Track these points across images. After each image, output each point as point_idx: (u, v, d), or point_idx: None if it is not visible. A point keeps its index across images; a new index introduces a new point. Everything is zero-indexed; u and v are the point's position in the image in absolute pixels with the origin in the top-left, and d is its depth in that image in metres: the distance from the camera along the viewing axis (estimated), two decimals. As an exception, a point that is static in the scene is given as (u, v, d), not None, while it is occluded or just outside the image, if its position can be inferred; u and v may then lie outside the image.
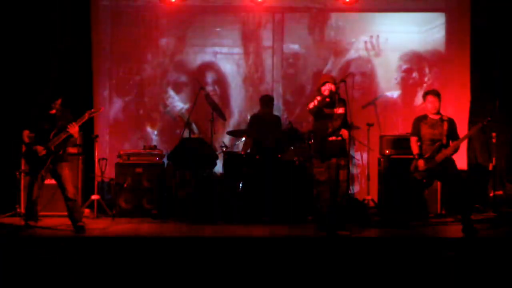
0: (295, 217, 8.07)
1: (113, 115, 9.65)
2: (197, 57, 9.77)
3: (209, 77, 9.76)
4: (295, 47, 9.78)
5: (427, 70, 9.71)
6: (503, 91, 9.08)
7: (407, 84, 9.73)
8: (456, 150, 7.34)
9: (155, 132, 9.70)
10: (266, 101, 9.03)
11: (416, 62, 9.72)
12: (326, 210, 6.99)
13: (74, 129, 7.07)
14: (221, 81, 9.79)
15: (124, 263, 5.98)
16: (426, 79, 9.68)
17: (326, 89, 7.05)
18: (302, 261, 6.10)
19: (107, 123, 9.59)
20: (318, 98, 6.98)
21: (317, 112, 7.05)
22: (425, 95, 7.55)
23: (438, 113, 7.45)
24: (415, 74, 9.73)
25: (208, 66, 9.79)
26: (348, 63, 9.70)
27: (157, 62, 9.71)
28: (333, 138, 7.08)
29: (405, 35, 9.68)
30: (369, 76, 9.73)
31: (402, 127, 8.75)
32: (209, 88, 9.54)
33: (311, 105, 7.01)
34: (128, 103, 9.71)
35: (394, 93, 9.75)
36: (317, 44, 9.74)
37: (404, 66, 9.73)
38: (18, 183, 8.22)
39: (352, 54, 9.73)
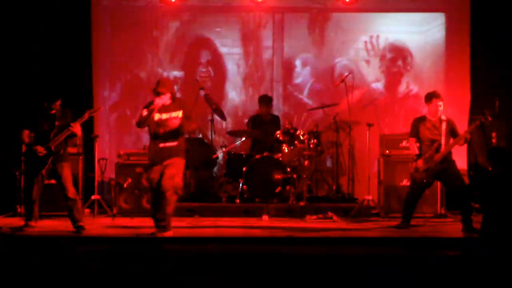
0: (295, 216, 8.09)
1: (113, 115, 9.65)
2: (197, 57, 9.77)
3: (209, 76, 9.76)
4: (295, 47, 9.77)
5: (427, 70, 9.70)
6: (503, 91, 9.07)
7: (407, 84, 9.72)
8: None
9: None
10: (265, 101, 9.04)
11: (416, 62, 9.72)
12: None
13: (76, 127, 7.06)
14: (221, 81, 9.79)
15: (124, 263, 5.98)
16: (426, 79, 9.67)
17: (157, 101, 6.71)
18: (301, 261, 6.10)
19: (107, 123, 9.59)
20: (144, 113, 6.69)
21: (144, 122, 6.77)
22: (430, 98, 7.46)
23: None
24: (415, 74, 9.72)
25: (208, 66, 9.78)
26: (348, 63, 9.70)
27: (157, 61, 9.71)
28: (164, 144, 6.74)
29: (405, 35, 9.68)
30: (369, 76, 9.73)
31: (402, 127, 8.74)
32: (208, 88, 9.53)
33: (135, 121, 6.77)
34: (128, 103, 9.71)
35: (394, 93, 9.75)
36: (317, 44, 9.74)
37: (404, 66, 9.73)
38: (18, 183, 8.22)
39: (352, 54, 9.73)
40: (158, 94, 6.72)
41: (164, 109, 6.75)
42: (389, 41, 9.67)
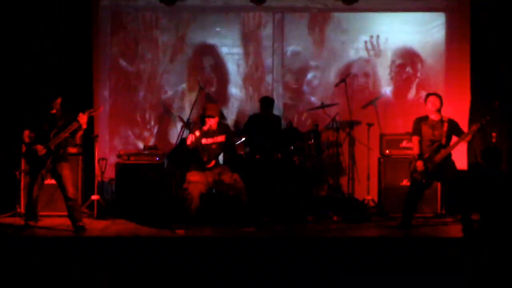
0: (295, 217, 8.08)
1: (113, 115, 9.64)
2: (197, 57, 9.77)
3: (209, 76, 9.76)
4: (295, 47, 9.77)
5: (427, 70, 9.70)
6: (503, 91, 9.07)
7: (408, 84, 9.73)
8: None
9: (155, 132, 9.71)
10: (266, 102, 9.03)
11: (416, 62, 9.72)
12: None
13: (83, 119, 7.06)
14: (221, 81, 9.79)
15: (124, 263, 5.99)
16: (426, 79, 9.68)
17: (208, 123, 7.25)
18: (301, 261, 6.11)
19: (107, 123, 9.59)
20: (197, 133, 7.17)
21: (196, 143, 7.24)
22: (426, 97, 7.56)
23: (439, 114, 7.46)
24: (415, 74, 9.72)
25: (208, 66, 9.78)
26: (348, 63, 9.70)
27: (157, 62, 9.71)
28: (211, 165, 7.38)
29: (405, 35, 9.68)
30: (369, 76, 9.73)
31: (402, 127, 8.76)
32: (209, 88, 9.53)
33: (188, 141, 7.20)
34: (128, 103, 9.71)
35: (394, 93, 9.75)
36: (317, 44, 9.74)
37: (404, 66, 9.73)
38: (18, 183, 8.22)
39: (352, 54, 9.72)
40: (209, 117, 7.21)
41: (209, 133, 7.27)
42: (397, 46, 9.66)
